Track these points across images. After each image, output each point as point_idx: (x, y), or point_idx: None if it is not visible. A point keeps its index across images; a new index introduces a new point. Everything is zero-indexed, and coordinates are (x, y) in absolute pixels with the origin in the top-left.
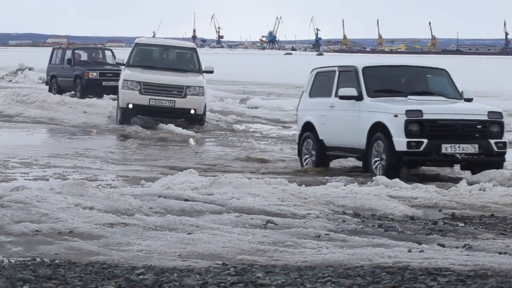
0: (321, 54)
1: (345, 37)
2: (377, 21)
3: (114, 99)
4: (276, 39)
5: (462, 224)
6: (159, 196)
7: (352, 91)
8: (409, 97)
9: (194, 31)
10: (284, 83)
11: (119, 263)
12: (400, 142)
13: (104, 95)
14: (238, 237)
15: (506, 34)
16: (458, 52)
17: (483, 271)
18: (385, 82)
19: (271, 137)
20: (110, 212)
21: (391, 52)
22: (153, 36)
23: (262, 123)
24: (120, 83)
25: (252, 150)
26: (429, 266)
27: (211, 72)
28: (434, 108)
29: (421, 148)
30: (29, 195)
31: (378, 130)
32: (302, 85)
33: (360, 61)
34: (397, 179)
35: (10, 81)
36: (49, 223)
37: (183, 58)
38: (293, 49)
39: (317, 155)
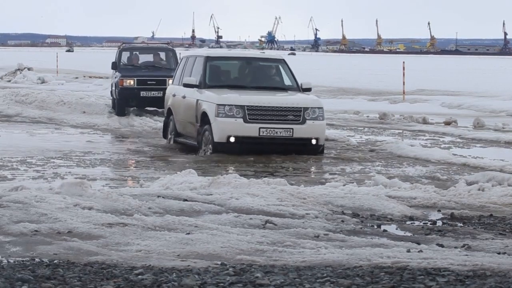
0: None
1: (344, 37)
2: (376, 21)
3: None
4: (275, 39)
5: (461, 224)
6: (158, 196)
7: None
8: None
9: (193, 31)
10: None
11: (118, 263)
12: None
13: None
14: (237, 237)
15: (505, 34)
16: (457, 52)
17: (482, 271)
18: None
19: None
20: (109, 212)
21: (390, 52)
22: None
23: None
24: (206, 109)
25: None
26: (428, 266)
27: (310, 89)
28: None
29: None
30: (28, 195)
31: None
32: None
33: None
34: (395, 179)
35: (9, 81)
36: (48, 223)
37: (273, 73)
38: (292, 49)
39: None
